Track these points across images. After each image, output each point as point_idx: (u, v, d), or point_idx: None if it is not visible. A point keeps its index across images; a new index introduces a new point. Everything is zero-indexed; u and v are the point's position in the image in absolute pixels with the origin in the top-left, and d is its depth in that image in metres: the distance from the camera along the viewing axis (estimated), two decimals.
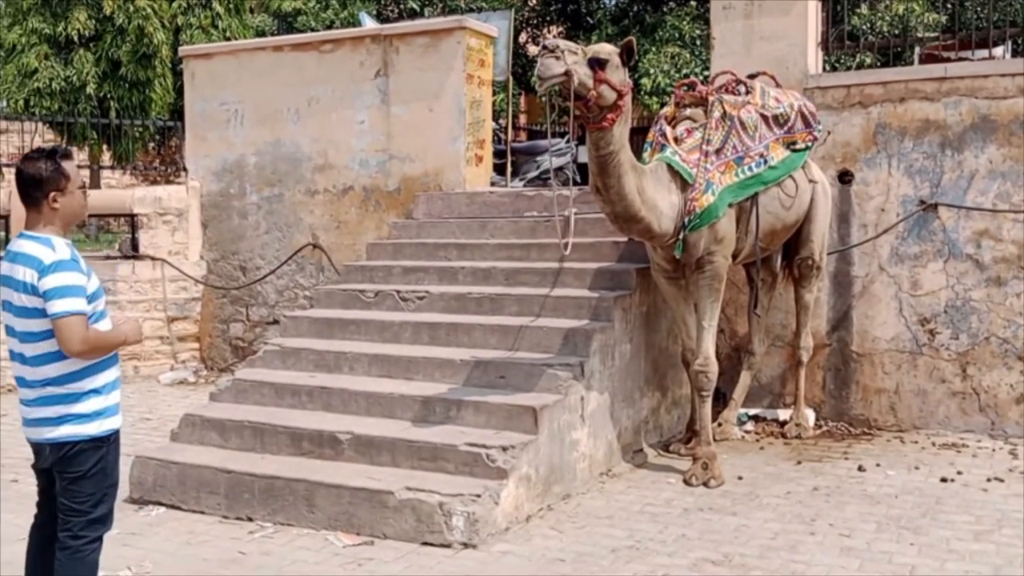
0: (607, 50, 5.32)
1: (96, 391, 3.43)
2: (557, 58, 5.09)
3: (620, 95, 5.25)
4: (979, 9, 14.42)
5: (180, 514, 5.45)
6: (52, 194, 3.40)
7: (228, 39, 14.93)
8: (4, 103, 15.08)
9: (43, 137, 15.40)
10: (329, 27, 15.44)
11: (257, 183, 9.60)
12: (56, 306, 3.28)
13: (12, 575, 4.20)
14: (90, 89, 14.71)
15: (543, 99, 16.32)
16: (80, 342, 3.30)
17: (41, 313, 3.32)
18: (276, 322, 9.30)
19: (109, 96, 14.89)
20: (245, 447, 5.77)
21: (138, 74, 14.85)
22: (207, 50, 10.42)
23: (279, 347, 6.60)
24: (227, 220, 9.81)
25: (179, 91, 14.05)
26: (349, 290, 7.11)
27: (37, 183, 3.40)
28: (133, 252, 9.80)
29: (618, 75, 5.27)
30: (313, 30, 15.25)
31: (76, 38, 14.91)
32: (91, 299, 3.40)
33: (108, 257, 10.14)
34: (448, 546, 4.81)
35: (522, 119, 19.13)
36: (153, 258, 9.76)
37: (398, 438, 5.41)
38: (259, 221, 9.62)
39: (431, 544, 4.85)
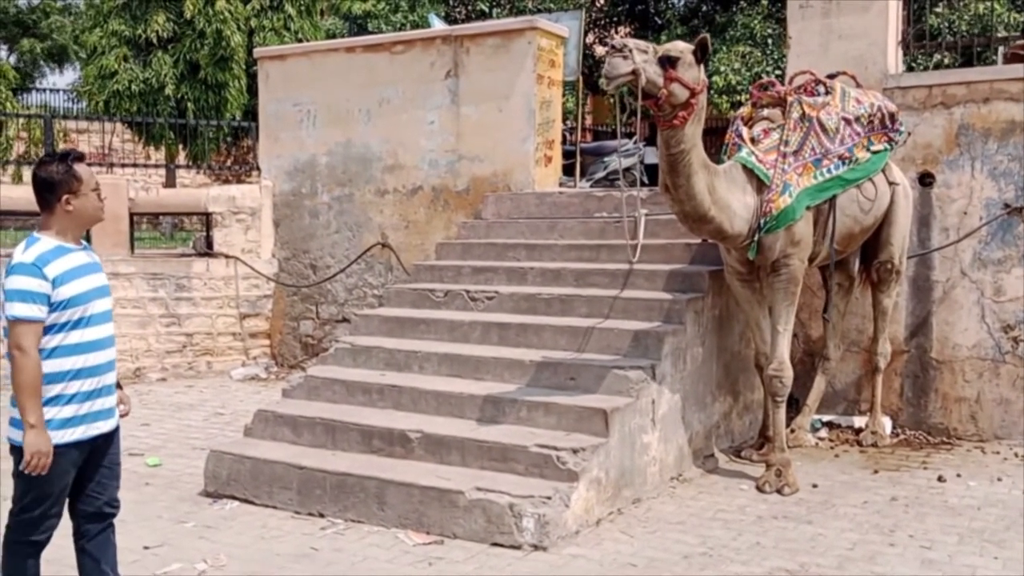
0: (679, 48, 5.25)
1: (54, 400, 3.37)
2: (624, 57, 5.04)
3: (693, 93, 5.18)
4: None
5: (253, 508, 5.53)
6: (65, 197, 3.43)
7: (300, 41, 15.16)
8: (85, 104, 15.51)
9: (122, 137, 15.82)
10: (399, 29, 15.57)
11: (328, 183, 9.71)
12: (7, 308, 3.30)
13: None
14: (168, 90, 15.05)
15: (611, 100, 16.24)
16: (14, 347, 3.28)
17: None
18: (345, 320, 9.41)
19: (186, 97, 15.22)
20: (317, 443, 5.83)
21: (216, 76, 15.15)
22: (281, 52, 10.57)
23: (350, 345, 6.66)
24: (298, 219, 9.95)
25: (253, 92, 14.33)
26: (419, 289, 7.14)
27: (50, 186, 3.43)
28: (207, 250, 10.00)
29: (691, 73, 5.19)
30: (383, 32, 15.40)
31: (155, 40, 15.28)
32: (68, 304, 3.36)
33: (183, 255, 10.36)
34: (518, 548, 4.79)
35: (587, 120, 19.05)
36: (227, 256, 9.95)
37: (468, 438, 5.41)
38: (330, 220, 9.73)
39: (501, 545, 4.83)
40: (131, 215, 9.94)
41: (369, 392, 6.11)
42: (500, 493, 4.92)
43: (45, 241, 3.41)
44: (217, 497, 5.71)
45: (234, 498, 5.66)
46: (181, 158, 16.47)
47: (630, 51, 5.00)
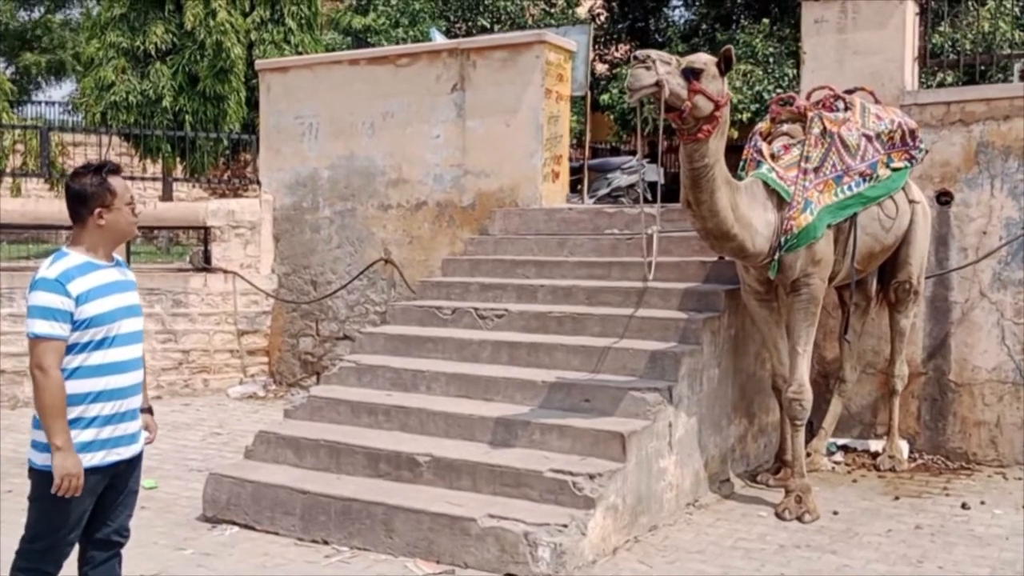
0: (703, 59, 5.09)
1: (74, 423, 3.21)
2: (648, 68, 4.88)
3: (717, 106, 5.02)
4: None
5: (254, 534, 5.32)
6: (98, 210, 3.29)
7: (300, 54, 15.01)
8: (82, 116, 15.32)
9: (117, 150, 15.62)
10: (399, 44, 15.44)
11: (330, 197, 9.53)
12: (28, 325, 3.19)
13: None
14: (166, 102, 14.86)
15: (610, 116, 16.13)
16: (35, 367, 3.16)
17: None
18: (347, 337, 9.20)
19: (185, 110, 15.03)
20: (321, 467, 5.62)
21: (215, 88, 14.97)
22: (283, 64, 10.42)
23: (355, 364, 6.46)
24: (299, 234, 9.76)
25: (252, 105, 14.16)
26: (425, 306, 6.95)
27: (82, 199, 3.29)
28: (205, 264, 9.80)
29: (715, 85, 5.04)
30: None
31: (154, 52, 15.11)
32: (91, 323, 3.22)
33: (180, 269, 10.15)
34: None
35: (589, 137, 18.92)
36: (225, 271, 9.75)
37: (479, 462, 5.21)
38: (331, 235, 9.54)
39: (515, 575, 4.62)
40: None
41: (375, 413, 5.90)
42: (514, 520, 4.72)
43: (73, 256, 3.27)
44: (216, 522, 5.49)
45: (234, 523, 5.45)
46: (179, 171, 16.27)
47: (653, 62, 4.84)
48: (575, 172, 9.85)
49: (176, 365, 9.59)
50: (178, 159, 15.74)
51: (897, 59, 7.15)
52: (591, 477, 4.91)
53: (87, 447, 3.25)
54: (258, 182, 10.20)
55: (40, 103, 23.53)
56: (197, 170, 15.45)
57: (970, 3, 11.02)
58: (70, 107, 22.87)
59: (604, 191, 10.89)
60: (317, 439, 5.70)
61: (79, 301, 3.20)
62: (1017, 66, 9.77)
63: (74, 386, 3.21)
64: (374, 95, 9.17)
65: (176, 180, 15.92)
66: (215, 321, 9.72)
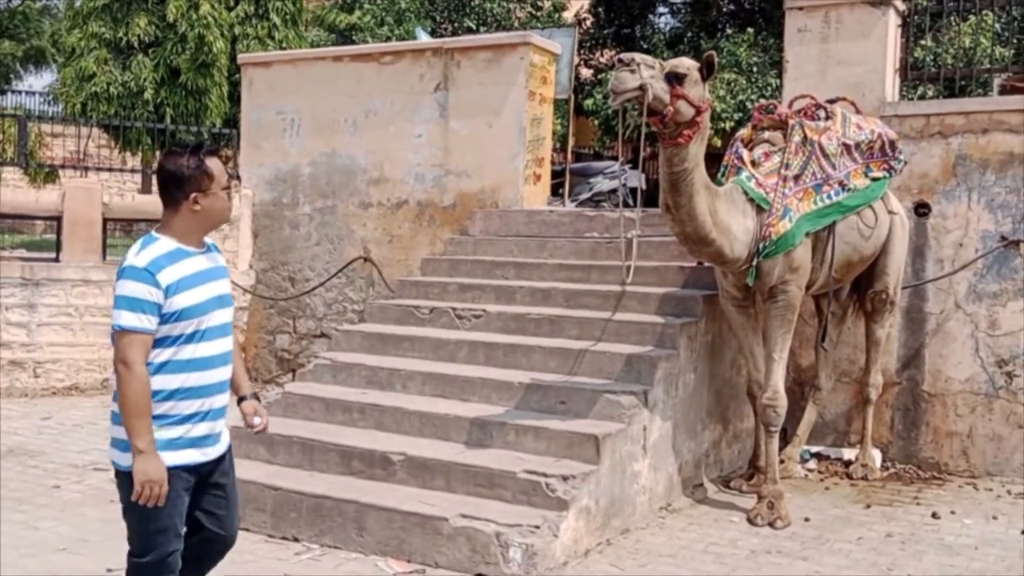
0: (686, 64, 5.10)
1: (162, 419, 3.04)
2: (632, 71, 4.89)
3: (699, 111, 5.03)
4: None
5: None
6: (194, 195, 3.08)
7: (284, 50, 14.96)
8: (62, 106, 15.18)
9: (97, 141, 15.49)
10: (387, 42, 15.41)
11: (310, 194, 9.49)
12: (114, 316, 2.99)
13: None
14: (147, 95, 14.75)
15: (595, 121, 16.16)
16: (119, 361, 2.97)
17: None
18: (323, 335, 9.16)
19: (166, 102, 14.93)
20: (293, 463, 5.58)
21: (196, 82, 14.87)
22: (266, 58, 10.36)
23: (330, 361, 6.42)
24: (278, 230, 9.70)
25: (234, 100, 14.07)
26: (403, 305, 6.93)
27: (178, 182, 3.07)
28: None
29: (697, 90, 5.05)
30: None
31: (136, 43, 15.00)
32: (181, 316, 3.02)
33: None
34: None
35: (571, 141, 18.95)
36: None
37: (453, 461, 5.19)
38: (310, 232, 9.49)
39: None
40: (104, 221, 9.65)
41: (349, 411, 5.87)
42: (486, 521, 4.70)
43: (163, 242, 3.06)
44: None
45: None
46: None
47: (638, 65, 4.84)
48: (557, 175, 9.85)
49: None
50: (158, 152, 15.62)
51: (879, 70, 7.19)
52: (564, 479, 4.90)
53: (174, 443, 3.06)
54: (238, 177, 10.13)
55: (20, 92, 23.30)
56: None
57: (952, 18, 11.14)
58: (50, 97, 22.67)
59: (586, 195, 10.92)
60: (290, 436, 5.66)
61: (169, 292, 2.99)
62: (996, 81, 9.88)
63: (162, 381, 3.03)
64: (357, 92, 9.13)
65: (155, 173, 15.80)
66: None
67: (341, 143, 9.27)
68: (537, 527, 4.66)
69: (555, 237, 7.50)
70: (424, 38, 12.09)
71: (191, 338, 3.05)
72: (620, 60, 4.96)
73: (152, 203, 11.15)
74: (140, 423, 2.95)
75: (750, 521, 5.63)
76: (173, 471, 3.04)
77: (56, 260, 9.32)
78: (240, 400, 3.40)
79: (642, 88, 4.87)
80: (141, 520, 3.06)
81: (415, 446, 5.39)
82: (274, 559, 4.86)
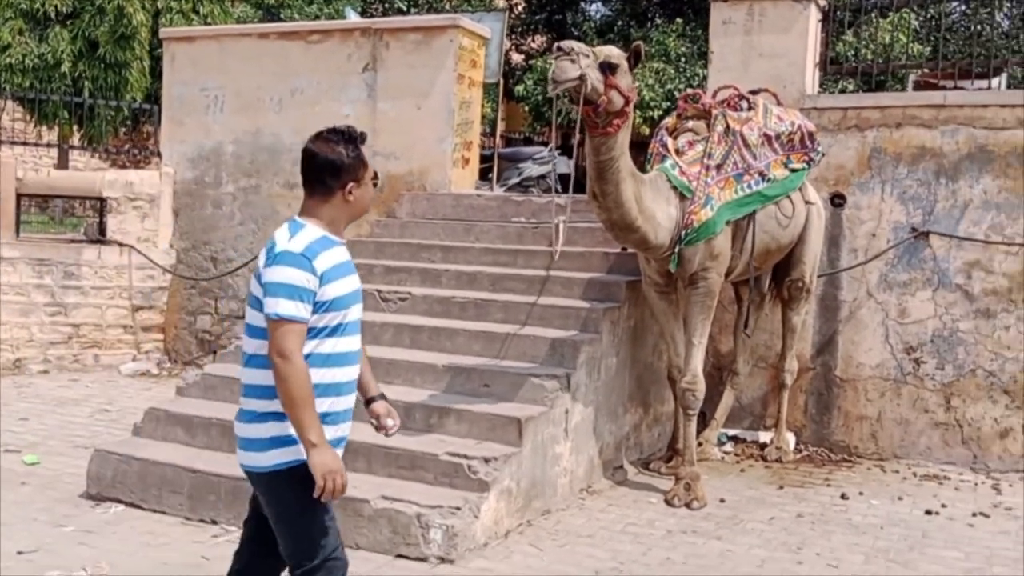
0: (616, 54, 5.15)
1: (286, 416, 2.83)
2: (572, 61, 4.91)
3: (627, 101, 5.10)
4: (961, 43, 14.51)
5: (140, 513, 5.19)
6: (350, 185, 2.90)
7: (209, 25, 14.61)
8: None
9: (12, 115, 14.95)
10: (313, 20, 15.17)
11: (234, 173, 9.33)
12: (269, 304, 2.78)
13: None
14: (64, 67, 14.27)
15: (525, 108, 16.18)
16: (276, 352, 2.75)
17: (262, 306, 2.83)
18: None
19: (84, 76, 14.46)
20: (212, 446, 5.51)
21: (115, 55, 14.42)
22: (189, 33, 10.14)
23: None
24: (200, 209, 9.52)
25: (156, 75, 13.70)
26: None
27: (335, 170, 2.89)
28: (100, 237, 9.48)
29: (626, 80, 5.11)
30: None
31: (53, 15, 14.50)
32: (330, 307, 2.84)
33: (73, 240, 9.80)
34: (424, 560, 4.59)
35: (501, 126, 18.96)
36: (120, 244, 9.44)
37: (375, 444, 5.16)
38: (234, 212, 9.34)
39: (406, 557, 4.63)
40: (18, 196, 9.35)
41: None
42: (407, 503, 4.72)
43: (311, 228, 2.88)
44: (100, 500, 5.33)
45: (119, 501, 5.30)
46: (75, 139, 15.65)
47: (577, 55, 4.87)
48: (486, 160, 9.86)
49: (65, 339, 9.25)
50: (75, 127, 15.16)
51: (799, 64, 7.36)
52: (486, 461, 4.94)
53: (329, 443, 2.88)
54: (159, 154, 9.91)
55: None
56: (95, 139, 14.89)
57: (872, 15, 11.43)
58: None
59: (515, 180, 10.92)
60: (209, 417, 5.58)
61: (323, 280, 2.81)
62: (911, 77, 10.19)
63: None
64: (283, 71, 9.00)
65: (72, 148, 15.31)
66: (108, 295, 9.41)
67: (266, 121, 9.13)
68: (458, 508, 4.69)
69: (482, 221, 7.52)
70: (353, 17, 11.93)
71: (334, 331, 2.88)
72: (559, 48, 4.97)
73: (69, 179, 10.84)
74: (308, 415, 2.75)
75: (667, 502, 5.75)
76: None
77: None
78: (369, 401, 3.21)
79: (581, 78, 4.90)
80: (300, 525, 2.87)
81: None
82: (191, 541, 4.80)
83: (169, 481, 5.21)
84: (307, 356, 2.82)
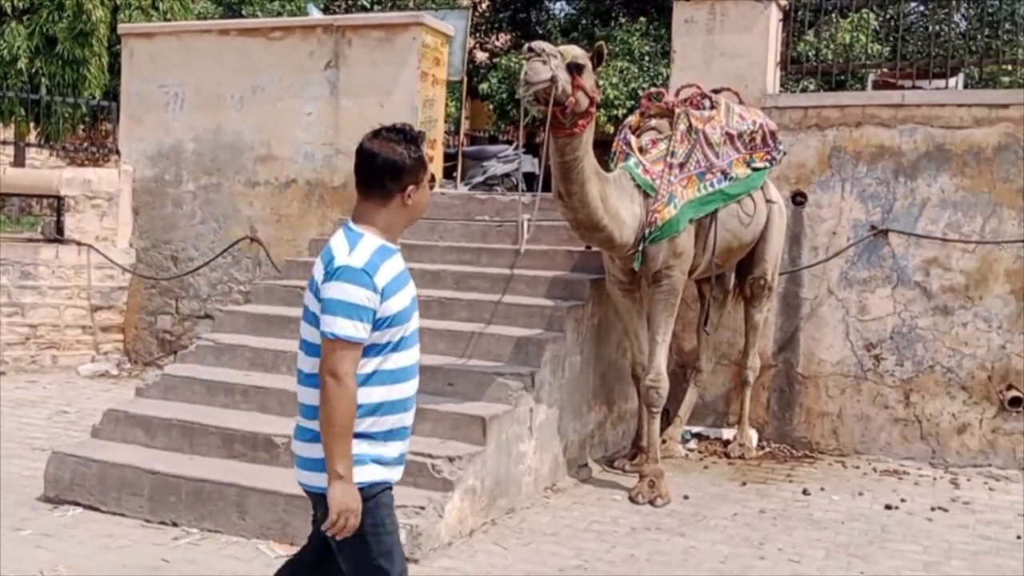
0: (581, 55, 5.15)
1: (367, 436, 2.72)
2: (544, 62, 4.89)
3: (592, 102, 5.10)
4: (919, 43, 14.72)
5: (98, 516, 5.11)
6: (410, 187, 2.75)
7: (168, 21, 14.42)
8: None
9: None
10: (276, 17, 15.03)
11: (194, 171, 9.21)
12: (325, 322, 2.63)
13: None
14: (21, 64, 14.00)
15: (490, 106, 16.16)
16: (328, 373, 2.61)
17: (319, 322, 2.68)
18: (207, 316, 8.93)
19: (41, 72, 14.19)
20: (173, 447, 5.44)
21: (74, 51, 14.17)
22: (148, 29, 10.01)
23: (213, 342, 6.28)
24: (160, 207, 9.39)
25: (115, 72, 13.49)
26: (290, 286, 6.81)
27: (396, 172, 2.72)
28: (57, 236, 9.32)
29: (590, 80, 5.12)
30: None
31: (9, 10, 14.22)
32: (392, 322, 2.70)
33: (31, 239, 9.63)
34: None
35: (465, 124, 18.92)
36: (79, 243, 9.29)
37: None
38: (194, 210, 9.23)
39: None
40: None
41: (232, 393, 5.75)
42: None
43: (369, 238, 2.71)
44: (58, 503, 5.24)
45: (77, 504, 5.21)
46: (32, 137, 15.36)
47: (548, 56, 4.86)
48: (451, 158, 9.84)
49: (23, 340, 9.08)
50: (32, 124, 14.88)
51: (760, 63, 7.42)
52: (450, 460, 4.92)
53: (381, 460, 2.75)
54: (118, 152, 9.76)
55: None
56: (53, 136, 14.61)
57: (832, 15, 11.57)
58: None
59: (479, 179, 10.92)
60: (170, 418, 5.51)
61: (384, 295, 2.67)
62: (871, 76, 10.32)
63: (367, 394, 2.70)
64: (244, 68, 8.91)
65: (29, 146, 15.03)
66: (67, 295, 9.25)
67: (227, 119, 9.03)
68: (422, 508, 4.68)
69: (446, 219, 7.49)
70: (316, 14, 11.86)
71: (397, 346, 2.75)
72: (531, 50, 4.95)
73: (25, 177, 10.65)
74: (344, 444, 2.63)
75: (632, 499, 5.78)
76: (385, 486, 2.78)
77: None
78: None
79: (552, 79, 4.89)
80: (363, 549, 2.75)
81: None
82: (150, 544, 4.74)
83: (129, 483, 5.14)
84: (372, 374, 2.72)
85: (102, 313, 9.43)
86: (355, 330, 2.62)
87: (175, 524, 4.98)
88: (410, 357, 2.80)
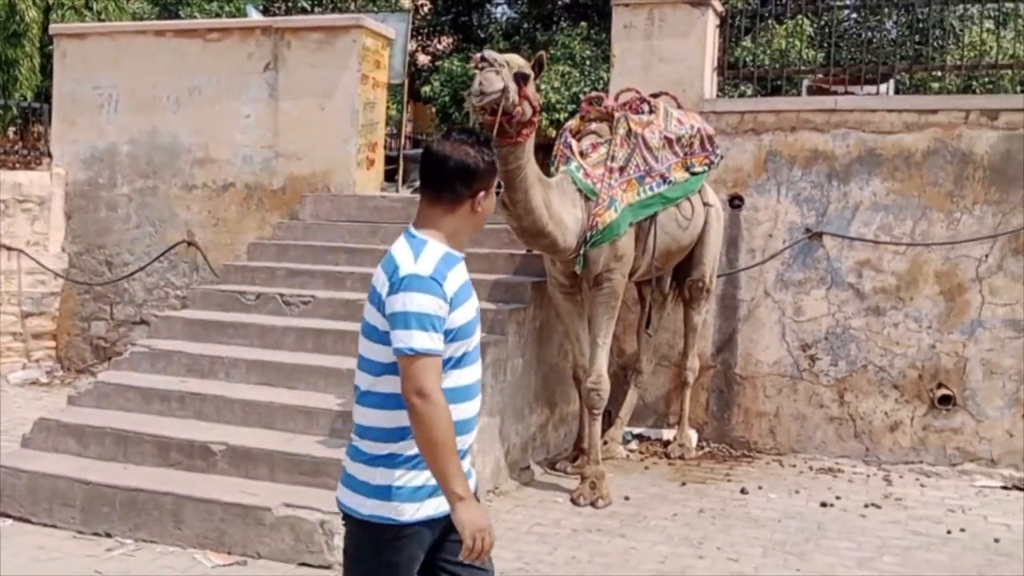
0: (524, 63, 5.15)
1: (398, 457, 2.51)
2: (497, 72, 4.88)
3: (535, 111, 5.12)
4: (852, 49, 15.06)
5: (29, 528, 4.99)
6: (480, 193, 2.58)
7: (103, 21, 14.12)
8: None
9: None
10: (214, 18, 14.81)
11: (129, 174, 9.03)
12: (399, 338, 2.42)
13: None
14: None
15: (432, 109, 16.13)
16: (415, 392, 2.39)
17: (385, 338, 2.48)
18: (143, 322, 8.76)
19: None
20: (106, 456, 5.33)
21: (5, 52, 13.81)
22: (81, 30, 9.78)
23: (148, 349, 6.16)
24: (94, 211, 9.19)
25: (47, 73, 13.18)
26: (228, 291, 6.72)
27: (469, 176, 2.55)
28: None
29: (532, 89, 5.13)
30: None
31: None
32: (456, 336, 2.51)
33: None
34: (329, 567, 4.54)
35: (408, 127, 18.84)
36: (9, 248, 9.04)
37: (277, 450, 5.09)
38: (129, 214, 9.05)
39: (310, 565, 4.57)
40: None
41: (168, 400, 5.66)
42: (311, 510, 4.65)
43: (435, 245, 2.53)
44: None
45: (7, 516, 5.10)
46: None
47: (500, 66, 4.85)
48: (392, 161, 9.80)
49: None
50: None
51: (698, 68, 7.53)
52: None
53: (418, 493, 2.50)
54: (50, 154, 9.53)
55: None
56: None
57: (769, 21, 11.77)
58: None
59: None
60: (103, 427, 5.41)
61: (452, 305, 2.47)
62: (805, 82, 10.53)
63: None
64: (180, 69, 8.76)
65: None
66: None
67: (163, 121, 8.87)
68: None
69: (388, 223, 7.45)
70: (255, 15, 11.70)
71: (459, 362, 2.55)
72: (484, 59, 4.93)
73: None
74: (453, 463, 2.40)
75: (573, 501, 5.81)
76: (413, 528, 2.51)
77: None
78: None
79: (504, 90, 4.89)
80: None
81: (238, 435, 5.26)
82: (83, 555, 4.64)
83: (60, 494, 5.03)
84: None
85: (33, 319, 9.19)
86: (432, 341, 2.43)
87: (109, 535, 4.88)
88: (472, 374, 2.62)
